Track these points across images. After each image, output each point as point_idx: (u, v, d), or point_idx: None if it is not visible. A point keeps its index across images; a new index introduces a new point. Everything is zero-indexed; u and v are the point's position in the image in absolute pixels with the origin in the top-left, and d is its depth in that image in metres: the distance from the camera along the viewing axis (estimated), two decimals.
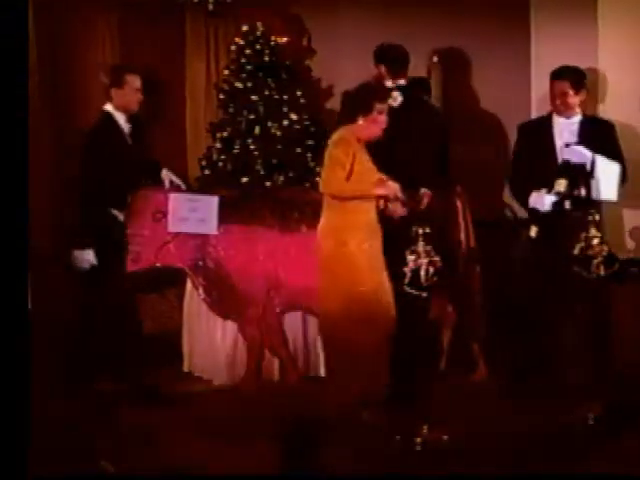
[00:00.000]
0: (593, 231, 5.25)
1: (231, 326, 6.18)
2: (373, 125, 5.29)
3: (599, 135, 5.71)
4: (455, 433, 4.91)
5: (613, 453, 4.77)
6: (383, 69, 5.79)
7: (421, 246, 4.92)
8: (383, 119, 5.30)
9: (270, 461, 4.38)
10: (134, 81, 5.74)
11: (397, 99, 5.74)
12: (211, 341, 6.25)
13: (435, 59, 6.81)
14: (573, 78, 5.71)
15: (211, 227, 5.84)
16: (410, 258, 4.94)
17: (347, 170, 5.22)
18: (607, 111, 6.10)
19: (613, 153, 5.68)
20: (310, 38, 6.92)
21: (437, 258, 4.94)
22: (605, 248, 5.25)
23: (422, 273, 4.90)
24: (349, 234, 5.28)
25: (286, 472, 4.29)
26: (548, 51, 6.36)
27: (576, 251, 5.33)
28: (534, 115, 6.51)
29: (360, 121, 5.29)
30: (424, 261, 4.91)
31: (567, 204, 5.63)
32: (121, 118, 5.73)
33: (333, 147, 5.29)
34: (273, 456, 4.37)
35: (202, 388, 6.08)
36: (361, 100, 5.34)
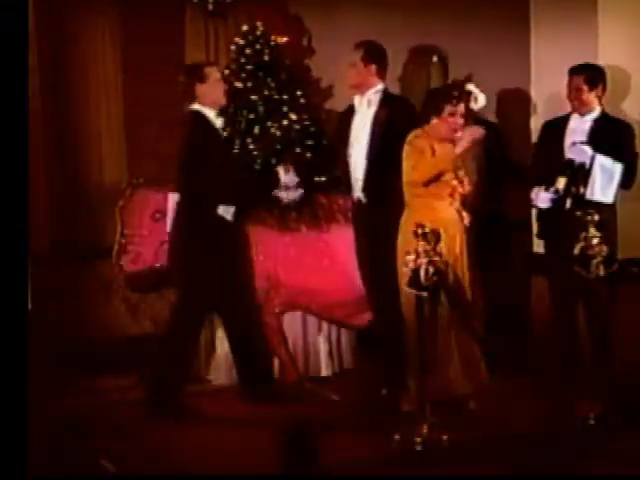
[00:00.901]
0: (592, 231, 5.26)
1: None
2: (444, 126, 5.36)
3: (611, 134, 5.69)
4: (455, 433, 4.90)
5: (613, 453, 4.77)
6: (374, 69, 5.75)
7: (421, 246, 4.93)
8: (455, 121, 5.35)
9: (271, 460, 4.38)
10: (213, 73, 5.70)
11: (480, 101, 5.76)
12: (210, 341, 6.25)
13: (435, 59, 6.81)
14: (589, 74, 5.71)
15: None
16: (410, 258, 4.94)
17: (427, 157, 5.31)
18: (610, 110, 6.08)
19: (623, 154, 5.64)
20: (310, 38, 6.90)
21: (437, 258, 4.95)
22: (605, 248, 5.26)
23: (422, 273, 4.91)
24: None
25: (286, 471, 4.29)
26: (548, 51, 6.36)
27: (576, 251, 5.34)
28: (533, 114, 6.52)
29: (433, 121, 5.39)
30: (424, 261, 4.91)
31: (568, 203, 5.64)
32: (211, 113, 5.68)
33: (408, 144, 5.39)
34: (274, 455, 4.38)
35: (201, 388, 6.08)
36: (432, 102, 5.45)
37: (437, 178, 5.36)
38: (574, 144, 5.67)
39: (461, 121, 5.39)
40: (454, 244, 5.39)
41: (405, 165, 5.41)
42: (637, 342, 5.78)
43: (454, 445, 4.83)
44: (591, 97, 5.71)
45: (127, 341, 6.42)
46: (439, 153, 5.35)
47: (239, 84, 6.55)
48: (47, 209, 6.53)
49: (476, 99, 5.79)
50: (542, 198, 5.72)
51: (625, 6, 6.04)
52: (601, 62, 6.05)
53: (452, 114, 5.36)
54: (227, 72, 6.61)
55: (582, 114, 5.76)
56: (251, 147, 6.42)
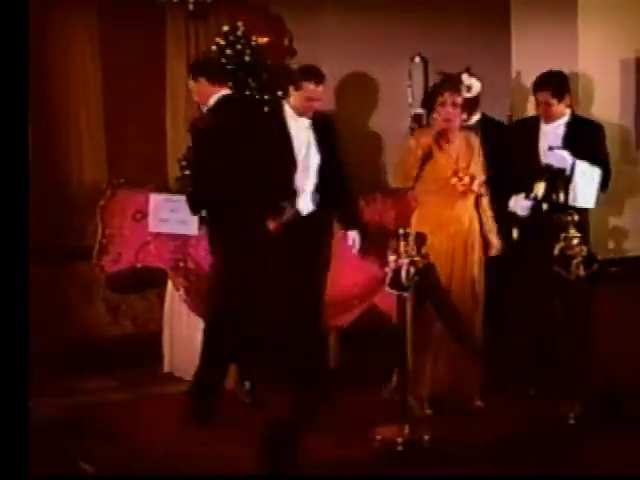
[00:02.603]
0: (572, 231, 5.29)
1: None
2: (438, 118, 5.44)
3: (584, 137, 5.71)
4: (442, 434, 4.92)
5: (593, 452, 4.79)
6: (204, 81, 5.62)
7: (402, 246, 4.94)
8: (445, 110, 5.40)
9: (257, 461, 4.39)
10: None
11: (474, 89, 5.80)
12: (192, 342, 6.22)
13: (417, 60, 6.83)
14: (555, 88, 5.70)
15: (192, 228, 5.82)
16: (391, 258, 4.95)
17: (412, 156, 5.39)
18: (588, 111, 6.12)
19: (597, 156, 5.67)
20: (291, 38, 6.91)
21: (418, 258, 4.95)
22: (584, 248, 5.29)
23: (403, 273, 4.92)
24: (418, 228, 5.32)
25: (274, 473, 4.30)
26: (528, 50, 6.39)
27: (556, 251, 5.37)
28: (514, 116, 6.54)
29: (433, 116, 5.50)
30: (405, 261, 4.92)
31: (545, 206, 5.66)
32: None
33: (403, 141, 5.60)
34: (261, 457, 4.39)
35: (183, 389, 6.06)
36: (427, 100, 5.64)
37: (435, 178, 5.42)
38: (551, 149, 5.68)
39: (453, 110, 5.40)
40: (453, 243, 5.43)
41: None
42: (617, 341, 5.81)
43: (435, 445, 4.84)
44: (560, 108, 5.73)
45: (107, 341, 6.41)
46: (424, 154, 5.40)
47: None
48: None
49: (469, 87, 5.81)
50: (522, 206, 5.71)
51: (605, 8, 6.07)
52: (580, 64, 6.10)
53: (442, 104, 5.40)
54: None
55: (554, 121, 5.80)
56: None
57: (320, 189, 5.55)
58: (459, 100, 5.43)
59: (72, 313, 6.54)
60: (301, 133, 5.49)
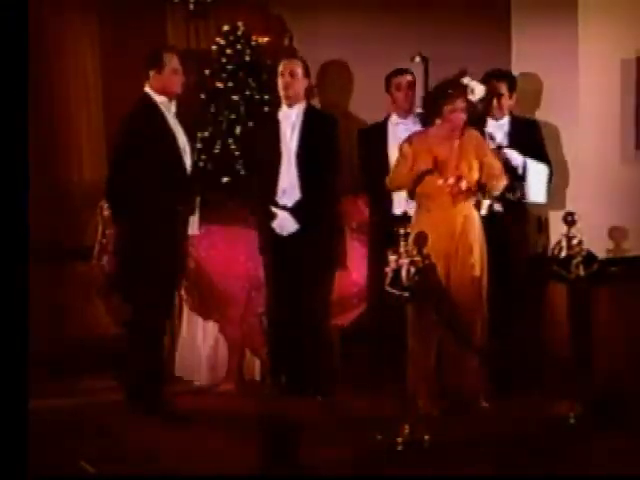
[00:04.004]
0: (572, 231, 5.30)
1: (212, 327, 6.17)
2: (447, 125, 5.43)
3: (527, 135, 5.89)
4: (442, 434, 4.92)
5: (594, 452, 4.79)
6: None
7: (402, 246, 4.93)
8: (456, 117, 5.40)
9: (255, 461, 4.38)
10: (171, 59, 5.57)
11: (478, 92, 5.80)
12: (192, 342, 6.24)
13: (417, 59, 6.82)
14: (509, 80, 5.96)
15: (192, 228, 5.82)
16: (392, 258, 4.95)
17: (405, 164, 5.45)
18: (588, 111, 6.12)
19: (540, 152, 5.87)
20: (291, 38, 6.90)
21: (418, 258, 4.95)
22: (584, 248, 5.29)
23: (403, 273, 4.91)
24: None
25: (274, 472, 4.30)
26: (528, 51, 6.39)
27: (555, 251, 5.37)
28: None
29: (437, 122, 5.46)
30: (405, 261, 4.92)
31: (497, 207, 5.77)
32: (161, 100, 5.59)
33: (398, 149, 5.56)
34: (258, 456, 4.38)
35: (183, 389, 6.07)
36: (431, 104, 5.53)
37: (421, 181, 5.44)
38: (500, 148, 5.79)
39: (463, 116, 5.44)
40: (447, 244, 5.42)
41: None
42: (616, 341, 5.81)
43: (436, 445, 4.84)
44: (510, 103, 5.94)
45: (108, 341, 6.40)
46: (420, 162, 5.43)
47: (220, 84, 6.55)
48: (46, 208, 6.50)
49: (473, 91, 5.84)
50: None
51: (605, 8, 6.07)
52: (581, 64, 6.09)
53: (452, 111, 5.41)
54: (208, 72, 6.62)
55: (497, 119, 5.91)
56: (232, 147, 6.42)
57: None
58: (464, 105, 5.46)
59: (72, 313, 6.54)
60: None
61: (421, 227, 5.23)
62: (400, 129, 5.94)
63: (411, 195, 5.55)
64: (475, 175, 5.47)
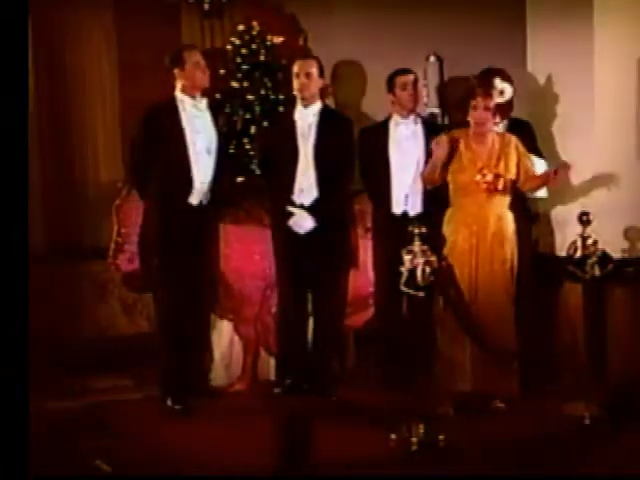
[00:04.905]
0: (587, 231, 5.29)
1: (227, 326, 6.18)
2: (472, 121, 5.59)
3: (523, 133, 5.88)
4: (453, 434, 4.91)
5: (610, 452, 4.78)
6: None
7: (417, 246, 4.93)
8: (478, 114, 5.54)
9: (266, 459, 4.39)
10: (193, 56, 5.75)
11: (506, 94, 5.94)
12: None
13: (432, 59, 6.82)
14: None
15: None
16: (406, 258, 4.95)
17: (443, 153, 5.54)
18: (604, 111, 6.10)
19: (535, 150, 5.89)
20: (306, 38, 6.92)
21: (434, 258, 4.95)
22: (599, 248, 5.28)
23: (419, 273, 4.92)
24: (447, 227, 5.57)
25: (282, 471, 4.30)
26: (544, 50, 6.37)
27: (570, 251, 5.37)
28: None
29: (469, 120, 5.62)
30: (420, 261, 4.92)
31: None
32: (188, 100, 5.71)
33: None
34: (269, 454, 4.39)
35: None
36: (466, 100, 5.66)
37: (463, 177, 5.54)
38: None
39: (485, 114, 5.52)
40: (477, 240, 5.48)
41: None
42: (632, 342, 5.79)
43: (451, 445, 4.84)
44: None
45: (123, 341, 6.42)
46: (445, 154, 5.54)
47: (235, 84, 6.57)
48: (43, 209, 6.53)
49: (502, 92, 5.89)
50: None
51: (620, 7, 6.05)
52: (596, 62, 6.07)
53: (474, 107, 5.54)
54: (223, 72, 6.63)
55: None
56: (247, 147, 6.43)
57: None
58: (491, 104, 5.55)
59: (88, 312, 6.57)
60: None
61: (455, 223, 5.43)
62: (401, 129, 5.93)
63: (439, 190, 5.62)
64: (512, 176, 5.57)
